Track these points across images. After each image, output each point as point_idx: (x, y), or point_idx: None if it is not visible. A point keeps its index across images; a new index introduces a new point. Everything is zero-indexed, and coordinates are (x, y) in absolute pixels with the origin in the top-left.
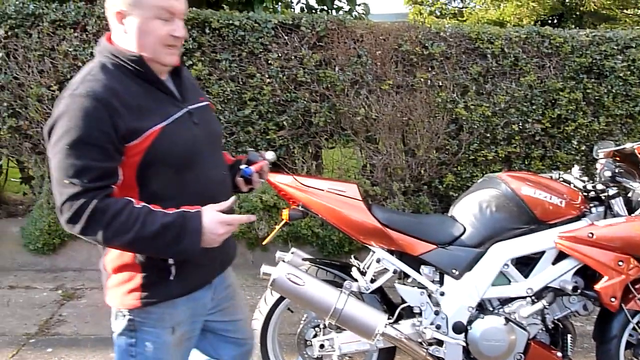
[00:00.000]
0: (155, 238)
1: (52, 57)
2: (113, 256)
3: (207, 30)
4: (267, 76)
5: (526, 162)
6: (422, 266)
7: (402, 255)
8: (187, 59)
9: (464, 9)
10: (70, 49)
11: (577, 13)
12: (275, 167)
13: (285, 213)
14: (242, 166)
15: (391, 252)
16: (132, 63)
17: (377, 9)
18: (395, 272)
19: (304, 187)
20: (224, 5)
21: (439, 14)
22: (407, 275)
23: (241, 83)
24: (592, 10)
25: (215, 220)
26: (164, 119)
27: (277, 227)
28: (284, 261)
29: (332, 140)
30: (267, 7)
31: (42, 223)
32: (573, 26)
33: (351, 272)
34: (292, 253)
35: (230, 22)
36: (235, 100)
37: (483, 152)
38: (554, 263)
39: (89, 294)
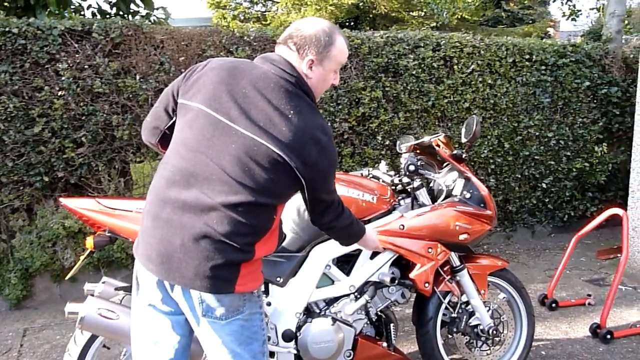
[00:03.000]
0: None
1: None
2: (263, 244)
3: None
4: (57, 88)
5: (338, 161)
6: None
7: None
8: None
9: (266, 13)
10: None
11: (371, 16)
12: (77, 188)
13: (89, 241)
14: None
15: None
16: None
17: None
18: None
19: (109, 210)
20: (1, 11)
21: (242, 18)
22: None
23: (27, 98)
24: (383, 13)
25: None
26: None
27: (82, 257)
28: (92, 295)
29: (140, 154)
30: (52, 13)
31: None
32: (368, 28)
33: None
34: (103, 283)
35: (7, 29)
36: (20, 117)
37: None
38: (372, 258)
39: None
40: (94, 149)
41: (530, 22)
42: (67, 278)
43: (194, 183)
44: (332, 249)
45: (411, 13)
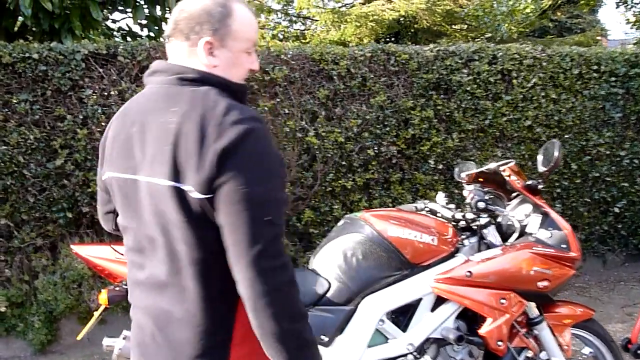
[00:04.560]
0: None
1: None
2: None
3: None
4: (80, 117)
5: (386, 188)
6: None
7: None
8: None
9: (305, 31)
10: None
11: (412, 31)
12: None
13: (103, 297)
14: None
15: None
16: (241, 95)
17: None
18: None
19: (125, 259)
20: (28, 37)
21: (282, 37)
22: None
23: (48, 128)
24: (425, 27)
25: None
26: None
27: (95, 314)
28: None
29: None
30: (78, 37)
31: None
32: (410, 43)
33: None
34: (124, 338)
35: (27, 55)
36: (42, 149)
37: (340, 181)
38: (432, 310)
39: None
40: None
41: (579, 31)
42: (78, 338)
43: (143, 260)
44: (387, 300)
45: (453, 26)
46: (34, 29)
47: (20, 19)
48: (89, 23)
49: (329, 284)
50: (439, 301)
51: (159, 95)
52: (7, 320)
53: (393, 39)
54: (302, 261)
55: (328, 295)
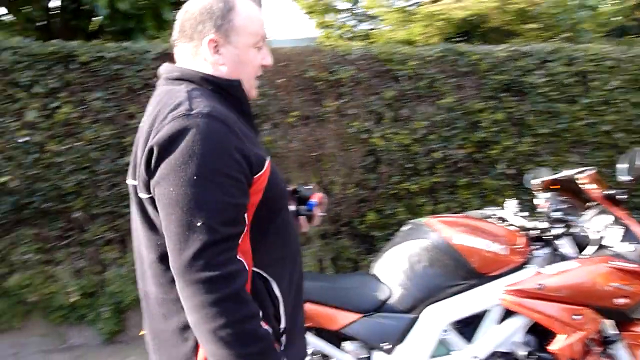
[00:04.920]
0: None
1: None
2: None
3: (72, 66)
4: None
5: (452, 192)
6: (344, 342)
7: (319, 331)
8: (51, 101)
9: (372, 31)
10: None
11: (482, 30)
12: None
13: None
14: (293, 207)
15: (306, 329)
16: (232, 90)
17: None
18: (313, 353)
19: None
20: (103, 37)
21: (348, 36)
22: (327, 356)
23: (120, 125)
24: (496, 26)
25: None
26: (267, 153)
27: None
28: None
29: None
30: (151, 36)
31: None
32: (479, 43)
33: None
34: None
35: (102, 54)
36: (114, 146)
37: (405, 184)
38: (500, 322)
39: None
40: None
41: None
42: (140, 334)
43: (143, 272)
44: (451, 309)
45: (525, 25)
46: (109, 29)
47: (97, 19)
48: (161, 23)
49: (391, 290)
50: (507, 314)
51: (153, 98)
52: (79, 309)
53: (462, 38)
54: (363, 264)
55: (390, 301)
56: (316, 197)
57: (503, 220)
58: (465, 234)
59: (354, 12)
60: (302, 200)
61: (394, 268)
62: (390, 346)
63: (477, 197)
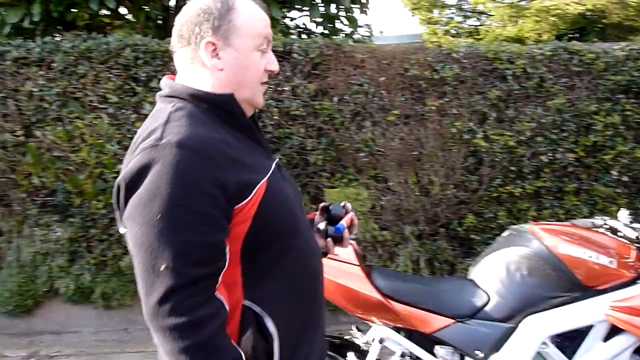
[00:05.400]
0: None
1: (16, 99)
2: None
3: None
4: (256, 110)
5: (558, 198)
6: (437, 346)
7: (412, 334)
8: None
9: (479, 27)
10: (35, 89)
11: (600, 26)
12: None
13: None
14: (322, 226)
15: (397, 330)
16: (224, 105)
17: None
18: (403, 355)
19: None
20: None
21: (454, 32)
22: (418, 358)
23: None
24: (615, 22)
25: None
26: (266, 172)
27: None
28: None
29: (334, 180)
30: None
31: (11, 283)
32: (596, 40)
33: (347, 356)
34: None
35: None
36: None
37: (507, 187)
38: (605, 340)
39: None
40: (289, 173)
41: None
42: None
43: None
44: (552, 322)
45: None
46: None
47: None
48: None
49: (488, 297)
50: (613, 331)
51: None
52: None
53: (576, 35)
54: (460, 267)
55: (486, 308)
56: (347, 219)
57: (614, 231)
58: (570, 243)
59: (461, 7)
60: (333, 219)
61: (492, 274)
62: (484, 355)
63: (585, 204)
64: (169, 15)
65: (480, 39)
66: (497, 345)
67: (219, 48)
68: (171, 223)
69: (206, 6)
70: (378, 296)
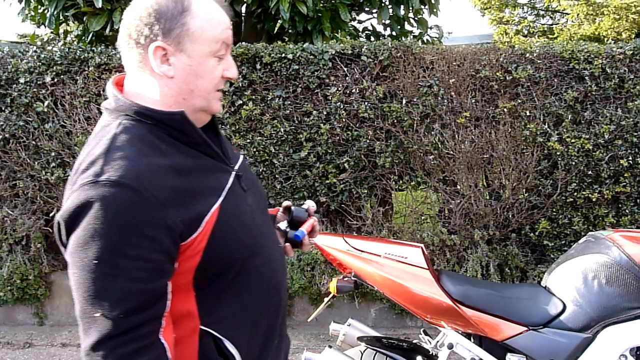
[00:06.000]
0: None
1: (98, 103)
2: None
3: (258, 66)
4: (324, 113)
5: (639, 204)
6: (509, 354)
7: (482, 340)
8: (237, 98)
9: (554, 26)
10: None
11: None
12: (337, 214)
13: (332, 285)
14: (283, 226)
15: (467, 336)
16: (174, 124)
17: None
18: None
19: (357, 252)
20: (285, 38)
21: (526, 32)
22: None
23: (296, 122)
24: None
25: None
26: (219, 194)
27: (325, 300)
28: (330, 345)
29: (401, 183)
30: (327, 37)
31: None
32: None
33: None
34: (348, 325)
35: (283, 55)
36: (290, 141)
37: (584, 192)
38: None
39: None
40: (356, 176)
41: None
42: (309, 320)
43: None
44: (633, 334)
45: None
46: (290, 30)
47: (280, 21)
48: (338, 24)
49: (564, 305)
50: None
51: (94, 129)
52: None
53: None
54: (532, 274)
55: (562, 317)
56: (308, 225)
57: None
58: None
59: (534, 6)
60: (294, 223)
61: (568, 282)
62: None
63: None
64: (240, 21)
65: (555, 38)
66: (572, 355)
67: (170, 53)
68: (107, 270)
69: (158, 5)
70: (448, 301)
